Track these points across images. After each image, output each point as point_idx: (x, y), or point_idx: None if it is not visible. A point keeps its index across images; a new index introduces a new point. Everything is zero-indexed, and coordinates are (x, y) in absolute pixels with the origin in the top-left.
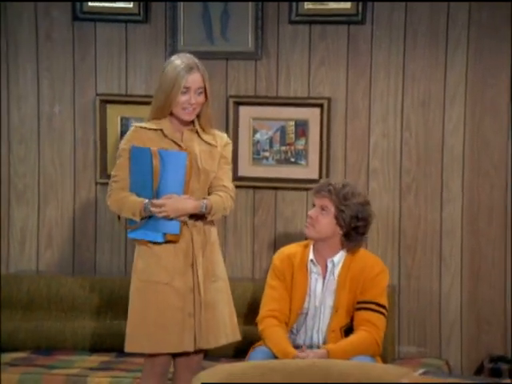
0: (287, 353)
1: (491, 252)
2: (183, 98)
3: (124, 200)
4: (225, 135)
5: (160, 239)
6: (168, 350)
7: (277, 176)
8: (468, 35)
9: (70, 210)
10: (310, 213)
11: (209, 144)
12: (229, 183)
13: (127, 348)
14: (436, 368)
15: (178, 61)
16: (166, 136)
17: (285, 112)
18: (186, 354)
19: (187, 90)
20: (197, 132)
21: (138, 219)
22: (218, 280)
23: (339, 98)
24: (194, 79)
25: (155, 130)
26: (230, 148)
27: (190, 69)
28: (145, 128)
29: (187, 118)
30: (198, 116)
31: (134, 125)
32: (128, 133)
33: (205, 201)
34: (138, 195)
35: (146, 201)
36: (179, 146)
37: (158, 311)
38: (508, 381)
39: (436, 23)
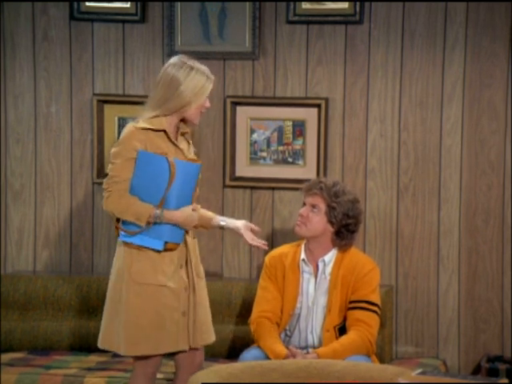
0: (278, 353)
1: (488, 252)
2: (205, 103)
3: (131, 203)
4: None
5: (160, 247)
6: (165, 351)
7: (274, 176)
8: (465, 35)
9: (66, 210)
10: (301, 211)
11: (188, 143)
12: None
13: (127, 352)
14: (433, 368)
15: (202, 67)
16: (168, 137)
17: (282, 112)
18: (188, 354)
19: (208, 95)
20: (183, 134)
21: (142, 224)
22: (202, 278)
23: (337, 98)
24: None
25: (157, 130)
26: None
27: (211, 77)
28: (145, 129)
29: (197, 121)
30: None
31: (133, 125)
32: (126, 134)
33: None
34: (140, 200)
35: (158, 209)
36: (177, 147)
37: (156, 313)
38: (505, 380)
39: (433, 23)
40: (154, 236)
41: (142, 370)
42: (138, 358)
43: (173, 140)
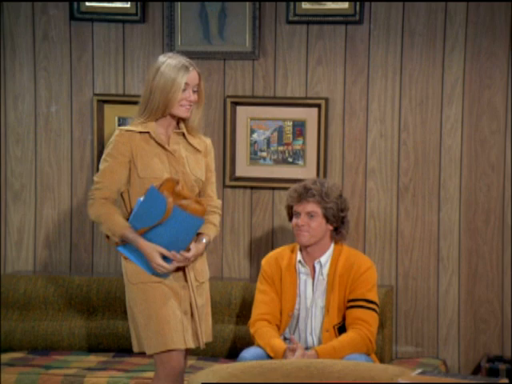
0: (278, 348)
1: (488, 252)
2: (183, 95)
3: (109, 214)
4: (209, 140)
5: (149, 272)
6: (177, 346)
7: (274, 176)
8: (465, 35)
9: (66, 210)
10: (297, 222)
11: (194, 148)
12: (217, 200)
13: (134, 349)
14: (433, 368)
15: (173, 60)
16: (152, 139)
17: (282, 112)
18: None
19: (187, 86)
20: (183, 135)
21: (116, 240)
22: (206, 281)
23: (337, 98)
24: (193, 76)
25: (142, 132)
26: (213, 155)
27: (187, 67)
28: (131, 131)
29: (185, 115)
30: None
31: (119, 128)
32: (113, 137)
33: (204, 240)
34: (134, 226)
35: (133, 233)
36: (165, 149)
37: (159, 308)
38: (505, 380)
39: (433, 23)
40: (144, 259)
41: (162, 367)
42: (157, 356)
43: (159, 141)
